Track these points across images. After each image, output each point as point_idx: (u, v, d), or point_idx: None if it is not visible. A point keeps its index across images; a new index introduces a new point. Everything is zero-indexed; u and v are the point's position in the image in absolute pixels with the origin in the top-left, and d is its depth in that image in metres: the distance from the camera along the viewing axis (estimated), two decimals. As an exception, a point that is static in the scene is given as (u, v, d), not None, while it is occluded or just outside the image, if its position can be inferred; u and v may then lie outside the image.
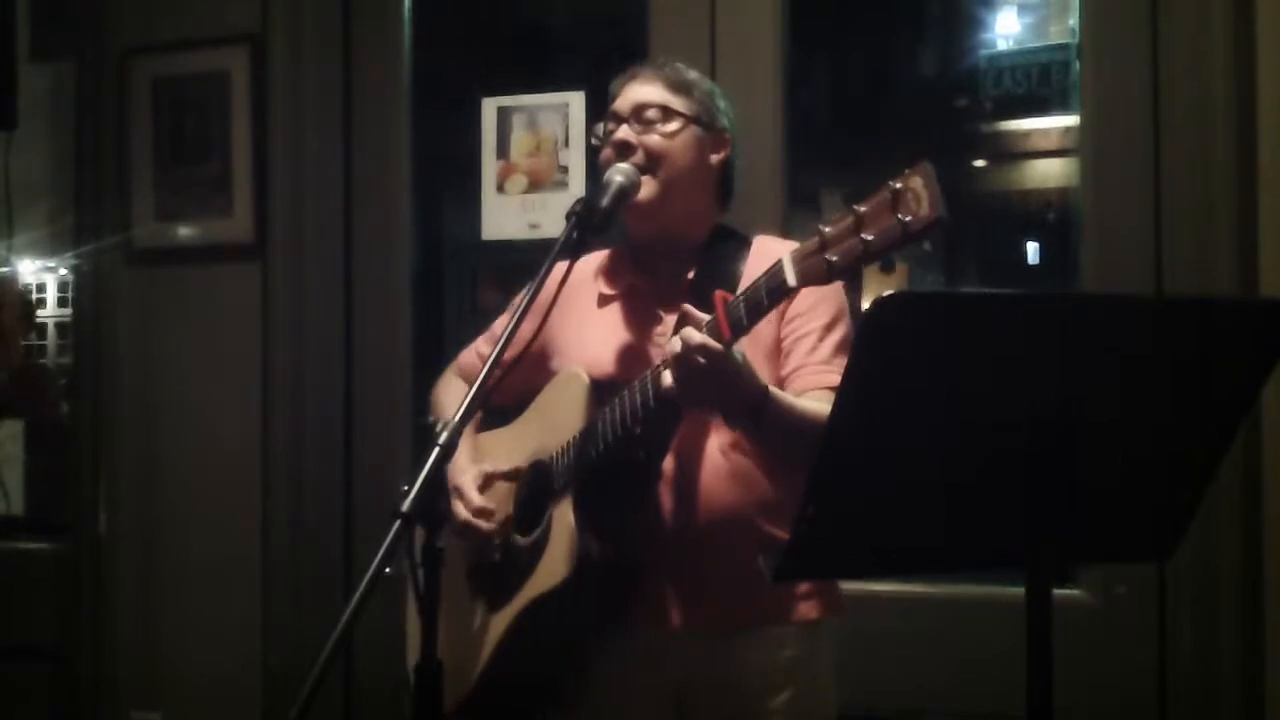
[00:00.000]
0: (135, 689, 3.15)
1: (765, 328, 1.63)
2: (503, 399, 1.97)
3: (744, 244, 1.93)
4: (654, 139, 1.86)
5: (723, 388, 1.61)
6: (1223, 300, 2.04)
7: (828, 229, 1.44)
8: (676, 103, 1.89)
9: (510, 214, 2.98)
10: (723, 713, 1.85)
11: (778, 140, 2.75)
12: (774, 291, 1.52)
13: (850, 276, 1.44)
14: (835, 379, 1.71)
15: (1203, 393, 1.37)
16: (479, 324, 2.17)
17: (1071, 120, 2.76)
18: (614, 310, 1.95)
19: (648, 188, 1.85)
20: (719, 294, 1.60)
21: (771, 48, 2.77)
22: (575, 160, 2.93)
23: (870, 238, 1.38)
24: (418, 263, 3.18)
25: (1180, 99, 2.46)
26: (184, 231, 3.13)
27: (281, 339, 3.07)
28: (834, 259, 1.43)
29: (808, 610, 1.85)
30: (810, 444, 1.33)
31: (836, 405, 1.30)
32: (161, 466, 3.15)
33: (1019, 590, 1.38)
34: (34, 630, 3.24)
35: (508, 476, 1.91)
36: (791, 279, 1.48)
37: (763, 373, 1.68)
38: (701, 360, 1.56)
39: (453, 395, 2.08)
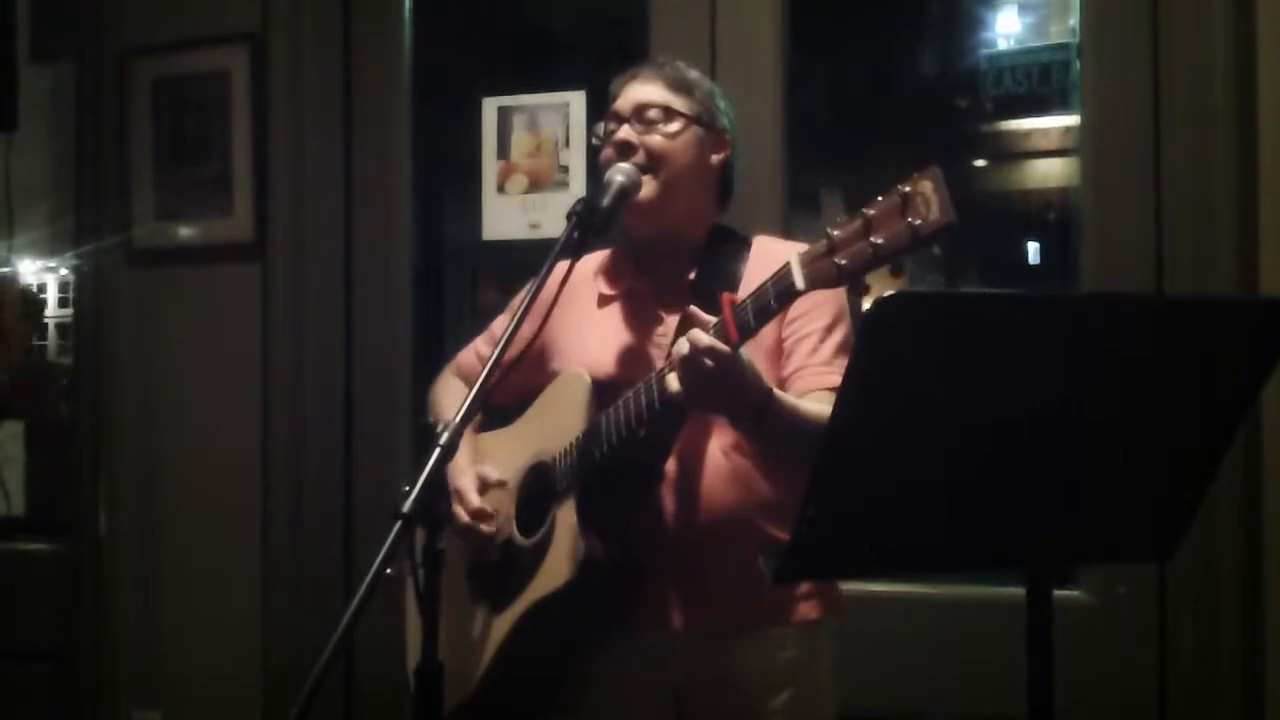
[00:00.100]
0: (135, 689, 3.15)
1: (766, 329, 1.63)
2: (503, 399, 1.96)
3: (744, 244, 1.93)
4: (655, 139, 1.86)
5: (729, 390, 1.61)
6: (1223, 300, 2.04)
7: (836, 232, 1.44)
8: (678, 103, 1.89)
9: (511, 214, 2.98)
10: (723, 713, 1.84)
11: (778, 140, 2.74)
12: (782, 294, 1.52)
13: (859, 281, 1.44)
14: (836, 380, 1.70)
15: (1203, 392, 1.37)
16: (479, 324, 2.17)
17: (1072, 120, 2.76)
18: (614, 310, 1.95)
19: (648, 188, 1.85)
20: (726, 296, 1.60)
21: (771, 48, 2.77)
22: (576, 160, 2.92)
23: (880, 241, 1.38)
24: (418, 263, 3.18)
25: (1180, 99, 2.46)
26: (184, 231, 3.13)
27: (281, 339, 3.07)
28: (843, 262, 1.43)
29: (808, 611, 1.85)
30: (812, 445, 1.33)
31: (837, 405, 1.30)
32: (161, 466, 3.15)
33: (1019, 591, 1.38)
34: (34, 630, 3.24)
35: (497, 485, 1.90)
36: (800, 282, 1.49)
37: (764, 374, 1.68)
38: (709, 363, 1.56)
39: (451, 396, 2.08)
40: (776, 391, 1.68)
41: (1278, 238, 2.34)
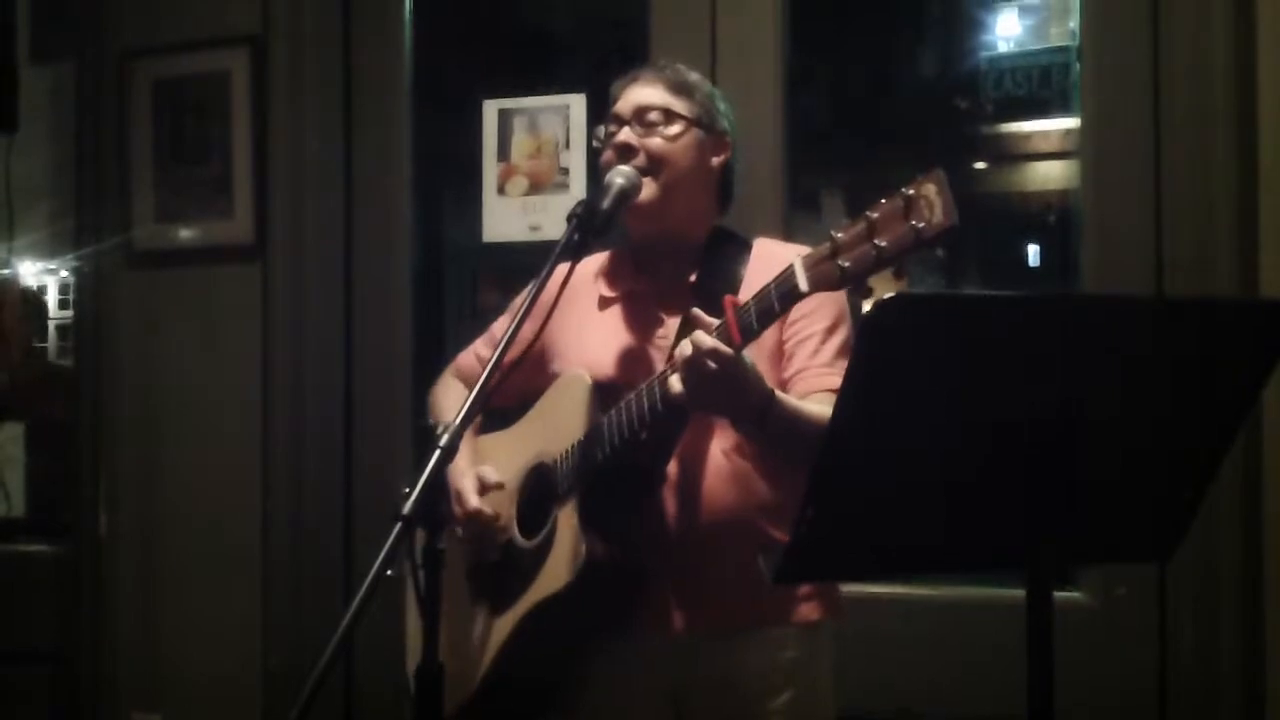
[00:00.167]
0: (135, 689, 3.14)
1: (768, 331, 1.63)
2: (503, 401, 1.96)
3: (745, 246, 1.93)
4: (656, 141, 1.87)
5: (732, 392, 1.61)
6: (1223, 301, 2.04)
7: (839, 234, 1.44)
8: (678, 105, 1.89)
9: (511, 216, 2.98)
10: (722, 714, 1.84)
11: (778, 142, 2.75)
12: (785, 296, 1.52)
13: (862, 283, 1.44)
14: (838, 382, 1.69)
15: (1203, 393, 1.37)
16: (479, 326, 2.17)
17: (1072, 122, 2.76)
18: (615, 313, 1.95)
19: (649, 190, 1.85)
20: (728, 298, 1.60)
21: (772, 49, 2.77)
22: (576, 162, 2.93)
23: (883, 244, 1.38)
24: (418, 264, 3.18)
25: (1180, 99, 2.46)
26: (184, 232, 3.13)
27: (281, 339, 3.07)
28: (846, 265, 1.43)
29: (808, 612, 1.85)
30: (813, 446, 1.33)
31: (837, 407, 1.30)
32: (161, 466, 3.15)
33: (1019, 592, 1.38)
34: (34, 631, 3.24)
35: (496, 487, 1.90)
36: (803, 284, 1.49)
37: (765, 376, 1.68)
38: (712, 365, 1.56)
39: (451, 397, 2.08)
40: (778, 393, 1.68)
41: (1278, 238, 2.34)
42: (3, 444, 3.66)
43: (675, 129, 1.88)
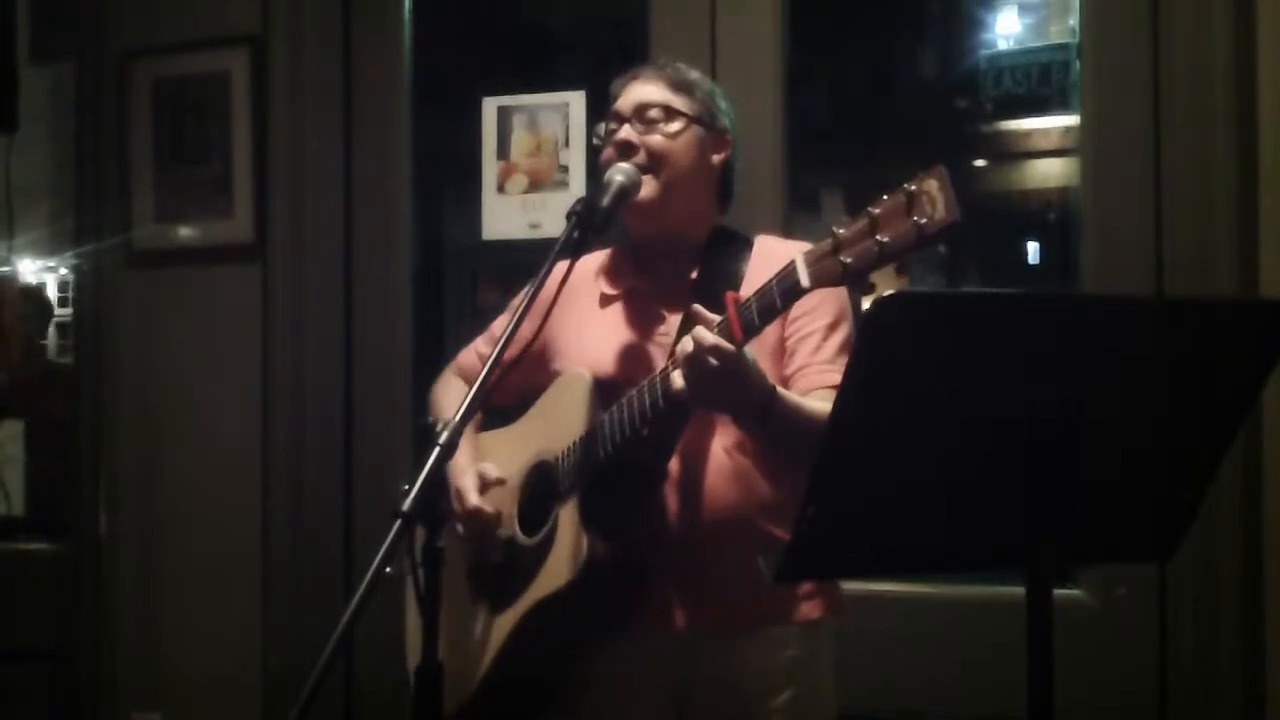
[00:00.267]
0: (135, 689, 3.15)
1: (769, 328, 1.63)
2: (503, 399, 1.96)
3: (746, 244, 1.93)
4: (656, 139, 1.86)
5: (733, 389, 1.61)
6: (1223, 301, 2.04)
7: (841, 231, 1.44)
8: (679, 103, 1.89)
9: (511, 214, 2.98)
10: (723, 713, 1.84)
11: (778, 140, 2.74)
12: (787, 293, 1.52)
13: (864, 279, 1.44)
14: (839, 378, 1.70)
15: (1203, 393, 1.37)
16: (479, 324, 2.17)
17: (1072, 120, 2.76)
18: (616, 310, 1.95)
19: (649, 187, 1.85)
20: (730, 295, 1.60)
21: (772, 48, 2.77)
22: (575, 160, 2.92)
23: (886, 240, 1.38)
24: (418, 263, 3.18)
25: (1180, 99, 2.46)
26: (184, 232, 3.13)
27: (281, 339, 3.07)
28: (848, 261, 1.43)
29: (810, 610, 1.85)
30: (814, 444, 1.33)
31: (837, 405, 1.30)
32: (161, 466, 3.15)
33: (1019, 591, 1.38)
34: (34, 630, 3.24)
35: (497, 483, 1.90)
36: (805, 280, 1.49)
37: (766, 372, 1.68)
38: (714, 361, 1.56)
39: (452, 395, 2.08)
40: (780, 390, 1.68)
41: (1278, 238, 2.34)
42: (3, 443, 3.66)
43: (676, 126, 1.88)
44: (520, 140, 2.97)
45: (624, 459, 1.75)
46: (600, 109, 1.98)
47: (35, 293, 4.04)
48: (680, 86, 1.90)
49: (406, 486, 1.46)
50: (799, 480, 1.33)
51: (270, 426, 3.06)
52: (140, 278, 3.18)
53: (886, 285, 1.32)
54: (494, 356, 1.62)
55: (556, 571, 1.78)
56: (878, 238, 1.39)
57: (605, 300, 1.96)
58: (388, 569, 1.38)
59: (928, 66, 4.27)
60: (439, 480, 1.52)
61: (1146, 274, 2.48)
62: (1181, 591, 2.44)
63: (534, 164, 2.96)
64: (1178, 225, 2.46)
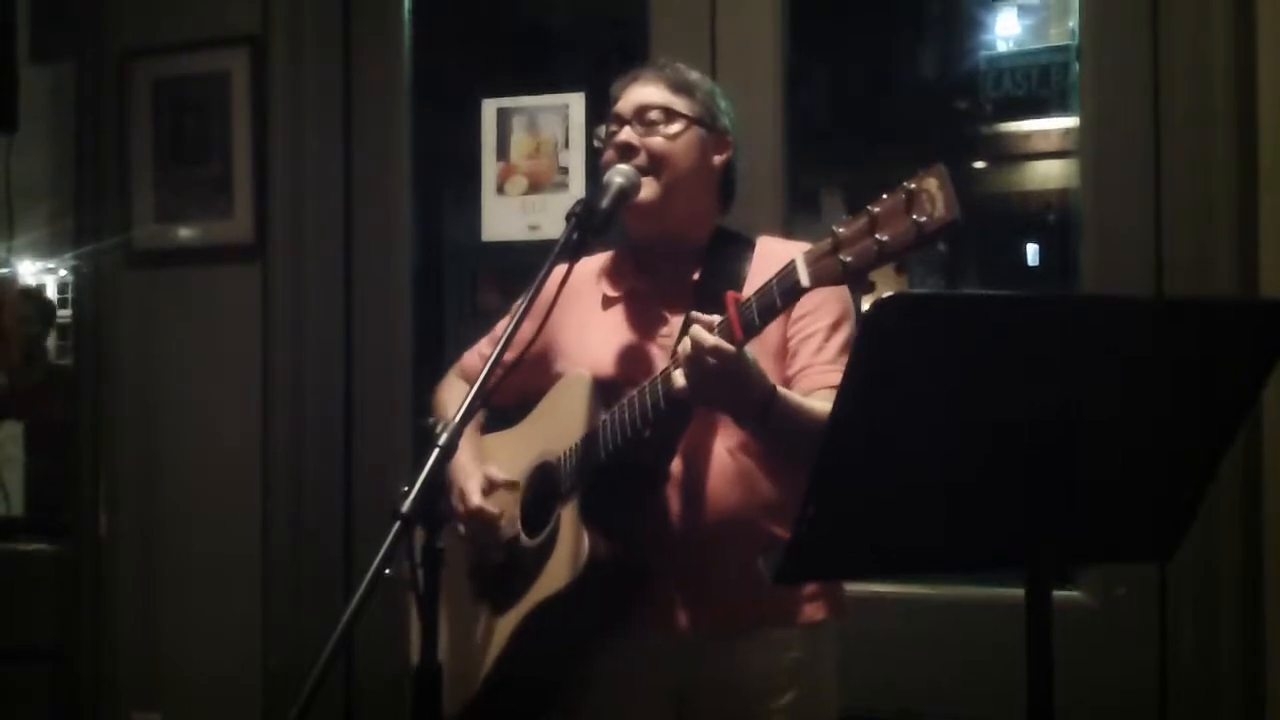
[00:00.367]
0: (135, 689, 3.15)
1: (771, 327, 1.63)
2: (505, 400, 1.96)
3: (747, 245, 1.92)
4: (657, 140, 1.86)
5: (734, 388, 1.61)
6: (1223, 301, 2.04)
7: (841, 230, 1.44)
8: (679, 104, 1.89)
9: (510, 215, 2.98)
10: (725, 714, 1.84)
11: (778, 141, 2.74)
12: (787, 292, 1.52)
13: (864, 278, 1.44)
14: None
15: (1203, 393, 1.37)
16: (479, 325, 2.17)
17: (1071, 122, 2.76)
18: (617, 312, 1.94)
19: (649, 189, 1.85)
20: (730, 295, 1.60)
21: (772, 48, 2.76)
22: (575, 162, 2.92)
23: (885, 239, 1.38)
24: (418, 263, 3.18)
25: (1180, 99, 2.46)
26: (184, 232, 3.13)
27: (281, 339, 3.07)
28: (848, 260, 1.43)
29: (812, 612, 1.85)
30: (815, 443, 1.33)
31: (836, 405, 1.30)
32: (161, 466, 3.15)
33: (1019, 592, 1.38)
34: (34, 630, 3.24)
35: (508, 486, 1.90)
36: (805, 280, 1.49)
37: (769, 372, 1.68)
38: (714, 361, 1.56)
39: (454, 396, 2.07)
40: (780, 389, 1.68)
41: (1278, 238, 2.34)
42: (3, 443, 3.67)
43: (676, 128, 1.87)
44: (520, 142, 2.97)
45: (626, 459, 1.75)
46: (600, 110, 1.98)
47: (36, 294, 4.04)
48: (681, 88, 1.90)
49: (406, 488, 1.46)
50: (801, 481, 1.33)
51: (270, 426, 3.06)
52: (140, 278, 3.18)
53: (886, 285, 1.32)
54: (494, 357, 1.62)
55: (558, 572, 1.78)
56: (877, 236, 1.39)
57: (607, 302, 1.96)
58: (387, 570, 1.38)
59: (928, 67, 4.28)
60: (439, 481, 1.52)
61: (1146, 275, 2.48)
62: (1181, 591, 2.44)
63: (533, 165, 2.96)
64: (1178, 226, 2.46)
